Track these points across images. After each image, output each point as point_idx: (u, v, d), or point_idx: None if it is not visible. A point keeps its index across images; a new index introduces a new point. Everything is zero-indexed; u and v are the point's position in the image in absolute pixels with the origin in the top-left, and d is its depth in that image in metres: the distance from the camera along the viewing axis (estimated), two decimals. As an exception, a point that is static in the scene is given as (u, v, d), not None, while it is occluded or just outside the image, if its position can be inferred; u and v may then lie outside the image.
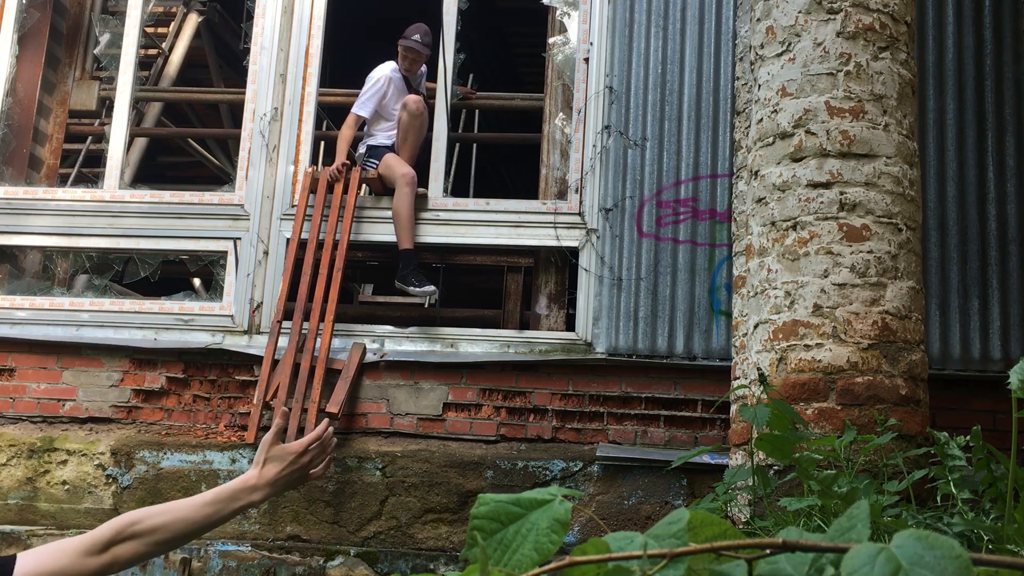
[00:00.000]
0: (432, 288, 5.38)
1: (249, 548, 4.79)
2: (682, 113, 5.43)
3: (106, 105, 7.04)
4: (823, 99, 3.78)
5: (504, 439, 5.20)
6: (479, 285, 7.89)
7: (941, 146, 5.23)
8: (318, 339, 5.28)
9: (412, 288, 5.39)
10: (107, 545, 1.86)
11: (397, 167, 5.57)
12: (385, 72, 5.82)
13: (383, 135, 5.83)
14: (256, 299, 5.58)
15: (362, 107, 5.76)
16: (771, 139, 3.90)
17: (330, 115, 8.68)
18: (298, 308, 5.35)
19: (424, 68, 6.07)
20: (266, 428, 5.09)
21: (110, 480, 5.18)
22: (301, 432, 5.00)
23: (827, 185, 3.72)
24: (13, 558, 1.85)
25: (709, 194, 5.33)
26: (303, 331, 5.31)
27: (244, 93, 5.95)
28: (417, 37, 5.82)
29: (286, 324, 5.36)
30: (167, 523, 1.90)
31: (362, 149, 5.88)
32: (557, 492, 1.01)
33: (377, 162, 5.69)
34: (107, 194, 5.91)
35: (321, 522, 4.96)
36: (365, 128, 5.89)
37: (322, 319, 5.32)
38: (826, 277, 3.65)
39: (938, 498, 2.81)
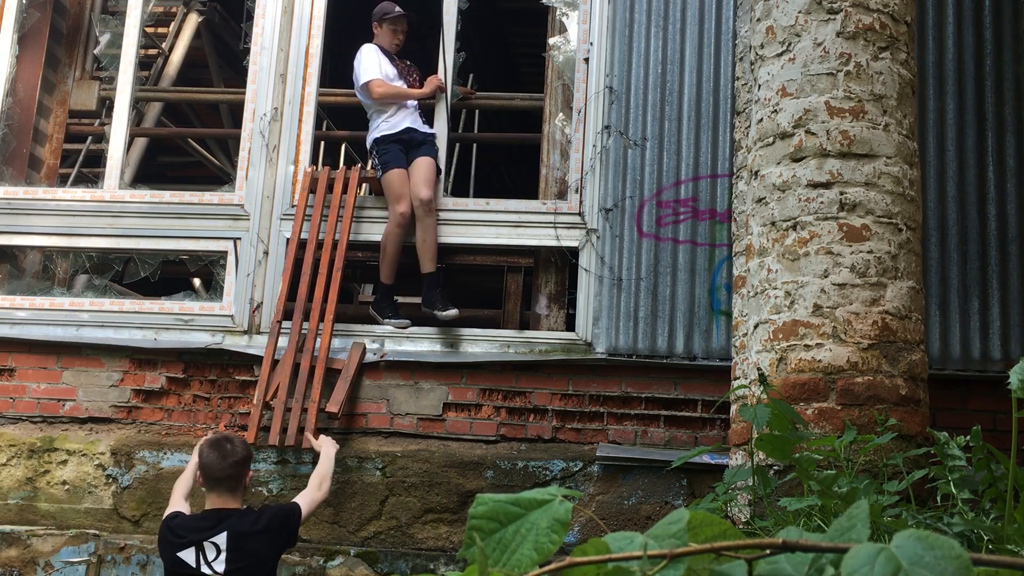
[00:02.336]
0: (407, 321, 5.48)
1: (249, 548, 4.79)
2: (682, 113, 5.42)
3: (106, 105, 7.04)
4: (823, 99, 3.78)
5: (504, 439, 5.20)
6: (479, 285, 7.88)
7: (941, 146, 5.23)
8: (318, 339, 5.28)
9: (387, 320, 5.47)
10: (320, 483, 4.19)
11: (395, 199, 5.43)
12: (370, 46, 5.72)
13: (386, 124, 5.64)
14: (256, 299, 5.57)
15: (371, 73, 5.58)
16: (771, 139, 3.90)
17: (330, 115, 8.68)
18: (298, 308, 5.35)
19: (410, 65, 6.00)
20: (266, 428, 5.10)
21: (110, 480, 5.18)
22: (300, 432, 5.01)
23: (827, 185, 3.72)
24: (296, 504, 3.98)
25: (709, 194, 5.32)
26: (303, 331, 5.31)
27: (244, 93, 5.94)
28: (397, 8, 5.79)
29: (286, 324, 5.36)
30: (326, 471, 4.32)
31: (369, 142, 5.70)
32: (557, 492, 1.01)
33: (381, 165, 5.56)
34: (107, 194, 5.91)
35: (321, 522, 4.96)
36: (369, 117, 5.74)
37: (322, 319, 5.32)
38: (826, 277, 3.65)
39: (938, 498, 2.81)
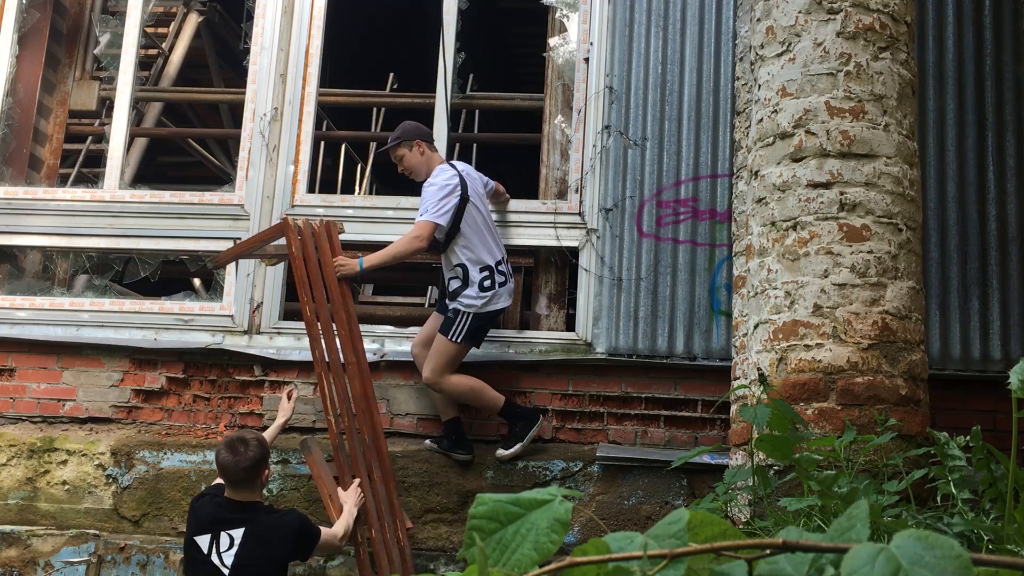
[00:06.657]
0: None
1: (249, 548, 4.78)
2: (682, 113, 5.42)
3: (106, 105, 7.04)
4: (823, 99, 3.78)
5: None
6: (479, 285, 7.86)
7: (941, 146, 5.23)
8: (318, 339, 5.27)
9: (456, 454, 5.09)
10: (343, 534, 4.31)
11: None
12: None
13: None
14: (256, 299, 5.57)
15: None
16: (771, 139, 3.90)
17: (330, 115, 8.68)
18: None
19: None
20: (265, 428, 5.09)
21: (110, 480, 5.18)
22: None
23: (827, 185, 3.72)
24: (318, 530, 4.13)
25: (709, 194, 5.32)
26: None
27: (244, 93, 5.94)
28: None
29: (286, 324, 5.36)
30: (349, 525, 4.38)
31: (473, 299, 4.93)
32: (557, 492, 1.01)
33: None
34: (107, 194, 5.91)
35: (321, 522, 4.95)
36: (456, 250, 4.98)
37: (322, 319, 5.31)
38: (826, 277, 3.65)
39: (938, 498, 2.81)
